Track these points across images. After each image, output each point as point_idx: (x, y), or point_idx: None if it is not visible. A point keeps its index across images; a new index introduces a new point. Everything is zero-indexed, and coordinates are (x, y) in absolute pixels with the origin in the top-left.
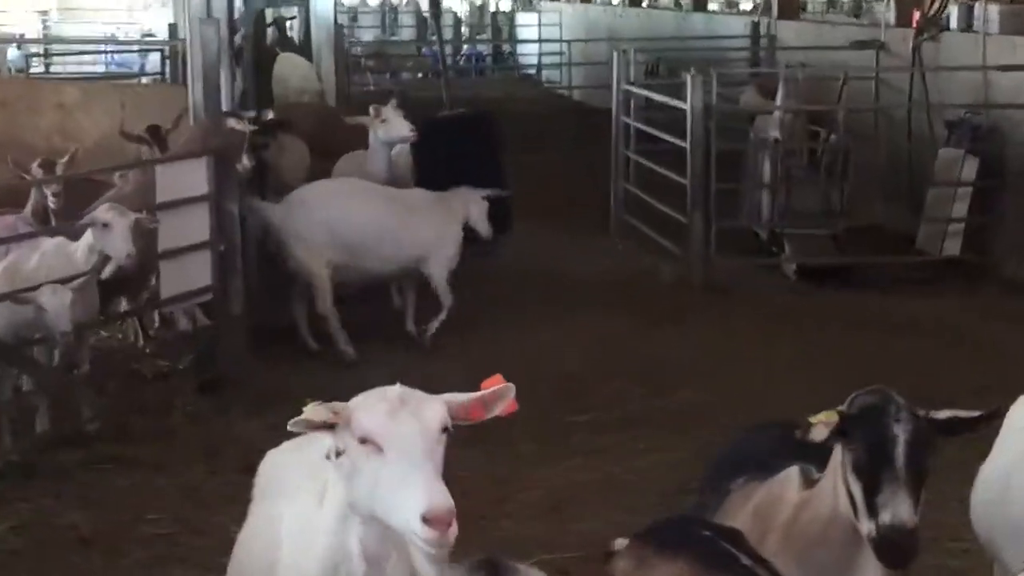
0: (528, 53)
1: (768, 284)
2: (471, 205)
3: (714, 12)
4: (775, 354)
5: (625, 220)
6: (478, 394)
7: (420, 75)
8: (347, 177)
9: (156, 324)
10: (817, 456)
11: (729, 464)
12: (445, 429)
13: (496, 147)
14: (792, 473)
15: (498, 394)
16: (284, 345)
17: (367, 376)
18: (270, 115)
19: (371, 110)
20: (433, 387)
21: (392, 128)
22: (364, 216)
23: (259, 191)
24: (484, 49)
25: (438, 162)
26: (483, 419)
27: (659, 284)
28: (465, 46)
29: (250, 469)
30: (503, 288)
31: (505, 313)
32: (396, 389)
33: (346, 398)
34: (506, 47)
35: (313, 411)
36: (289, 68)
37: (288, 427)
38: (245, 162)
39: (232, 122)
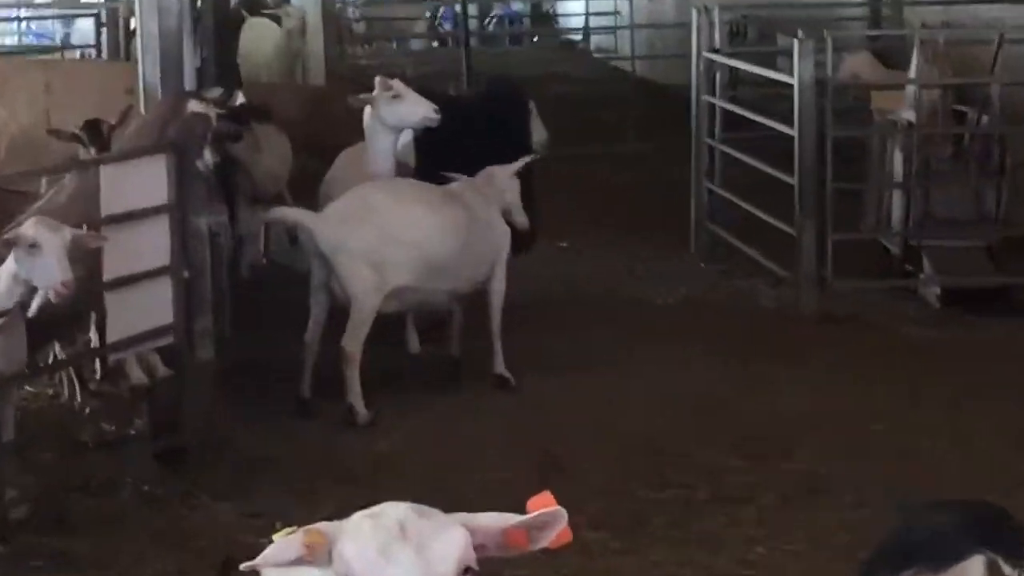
0: (572, 13)
1: (902, 313)
2: (506, 190)
3: None
4: (916, 408)
5: (711, 231)
6: (519, 519)
7: (435, 43)
8: (390, 179)
9: (99, 376)
10: (1006, 542)
11: (894, 554)
12: (467, 570)
13: (527, 136)
14: (976, 564)
15: (546, 520)
16: (267, 401)
17: (375, 442)
18: (240, 99)
19: (377, 83)
20: (462, 460)
21: (407, 108)
22: (444, 223)
23: (226, 199)
24: (520, 7)
25: (448, 157)
26: (525, 551)
27: (758, 315)
28: (496, 4)
29: (226, 568)
30: (558, 320)
31: (557, 354)
32: (399, 511)
33: (352, 475)
34: (546, 5)
35: (281, 544)
36: (259, 37)
37: (241, 569)
38: (207, 157)
39: (194, 105)
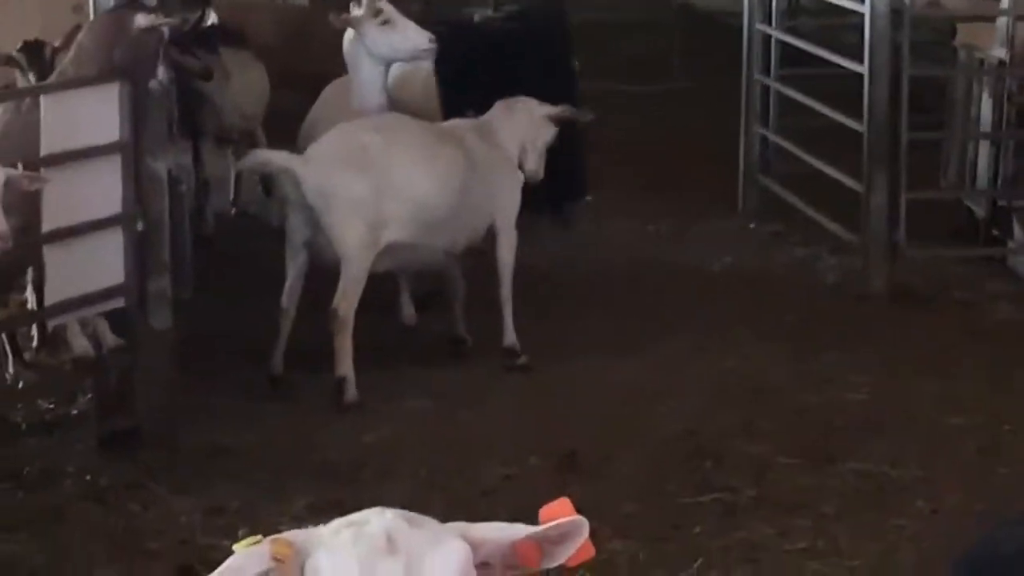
0: None
1: (988, 287)
2: (529, 130)
3: None
4: (1002, 399)
5: (763, 187)
6: (530, 531)
7: None
8: (381, 116)
9: (36, 345)
10: None
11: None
12: None
13: (570, 67)
14: None
15: (563, 531)
16: (233, 378)
17: (361, 431)
18: (211, 19)
19: (364, 3)
20: (463, 456)
21: (397, 36)
22: (443, 172)
23: (190, 137)
24: None
25: (477, 90)
26: (537, 570)
27: (817, 289)
28: None
29: (183, 574)
30: (582, 291)
31: (584, 331)
32: (385, 518)
33: (331, 469)
34: None
35: (242, 556)
36: None
37: None
38: (161, 75)
39: (140, 19)
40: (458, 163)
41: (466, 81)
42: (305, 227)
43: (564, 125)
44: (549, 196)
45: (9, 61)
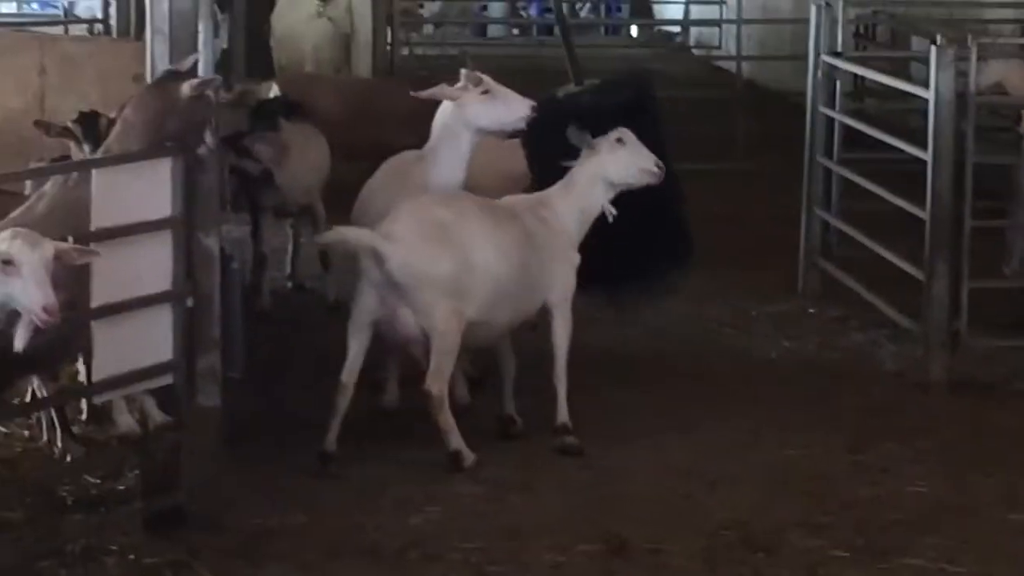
0: (668, 1)
1: None
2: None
3: None
4: None
5: (823, 271)
6: None
7: (515, 31)
8: (445, 193)
9: (83, 419)
10: None
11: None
12: None
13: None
14: None
15: None
16: (282, 459)
17: (408, 515)
18: (274, 90)
19: (464, 76)
20: (510, 540)
21: (501, 106)
22: (508, 247)
23: (251, 210)
24: None
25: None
26: None
27: (876, 378)
28: None
29: None
30: (637, 374)
31: (630, 415)
32: None
33: (377, 553)
34: None
35: None
36: (301, 19)
37: None
38: (208, 140)
39: (187, 88)
40: (518, 239)
41: (554, 156)
42: (377, 305)
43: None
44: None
45: (65, 132)
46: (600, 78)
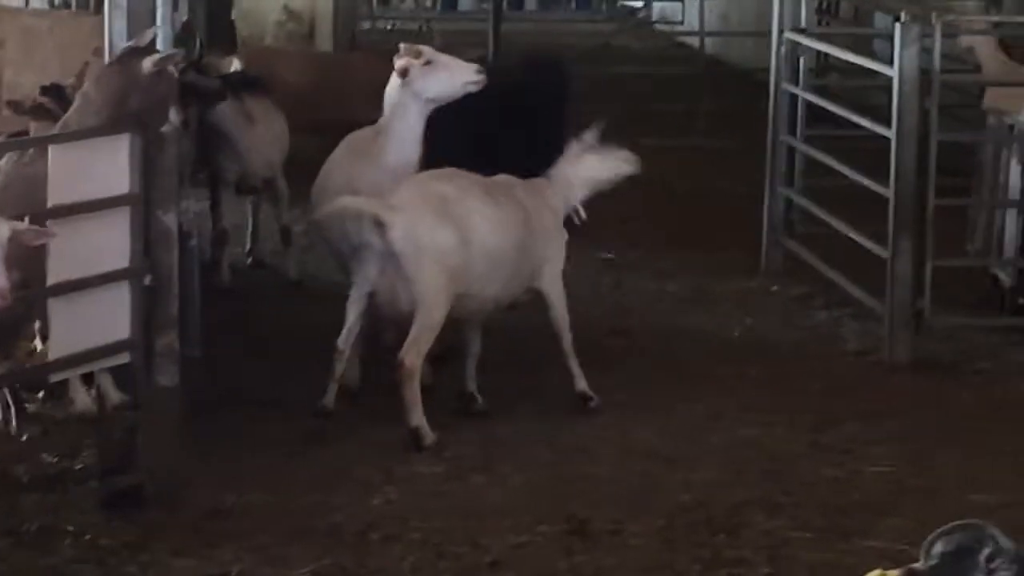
0: None
1: (1014, 359)
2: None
3: None
4: None
5: (785, 249)
6: None
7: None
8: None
9: (40, 398)
10: None
11: None
12: None
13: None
14: None
15: None
16: (241, 438)
17: (369, 495)
18: (235, 65)
19: (403, 50)
20: (471, 522)
21: (444, 74)
22: (506, 222)
23: (210, 184)
24: None
25: (461, 150)
26: None
27: (838, 357)
28: None
29: None
30: (599, 352)
31: (600, 393)
32: None
33: (338, 533)
34: None
35: None
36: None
37: None
38: (173, 117)
39: (148, 63)
40: (516, 216)
41: (454, 131)
42: (377, 276)
43: None
44: None
45: (38, 110)
46: (517, 58)
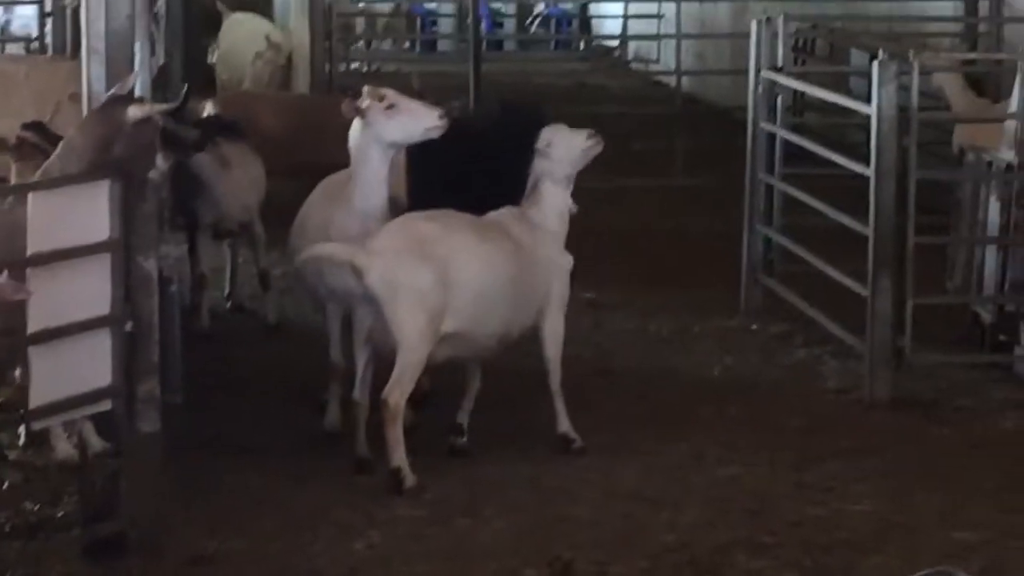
0: (609, 15)
1: (995, 396)
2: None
3: None
4: (1012, 515)
5: (765, 287)
6: None
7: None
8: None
9: (21, 444)
10: None
11: None
12: None
13: None
14: None
15: None
16: (223, 485)
17: (351, 540)
18: (210, 109)
19: (365, 92)
20: (455, 566)
21: (406, 117)
22: (496, 261)
23: (188, 229)
24: (570, 7)
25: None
26: None
27: (819, 393)
28: (541, 3)
29: None
30: (580, 392)
31: (583, 434)
32: None
33: None
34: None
35: None
36: (244, 36)
37: None
38: (160, 164)
39: (134, 111)
40: (508, 252)
41: (435, 173)
42: (371, 318)
43: None
44: None
45: (22, 146)
46: (498, 103)
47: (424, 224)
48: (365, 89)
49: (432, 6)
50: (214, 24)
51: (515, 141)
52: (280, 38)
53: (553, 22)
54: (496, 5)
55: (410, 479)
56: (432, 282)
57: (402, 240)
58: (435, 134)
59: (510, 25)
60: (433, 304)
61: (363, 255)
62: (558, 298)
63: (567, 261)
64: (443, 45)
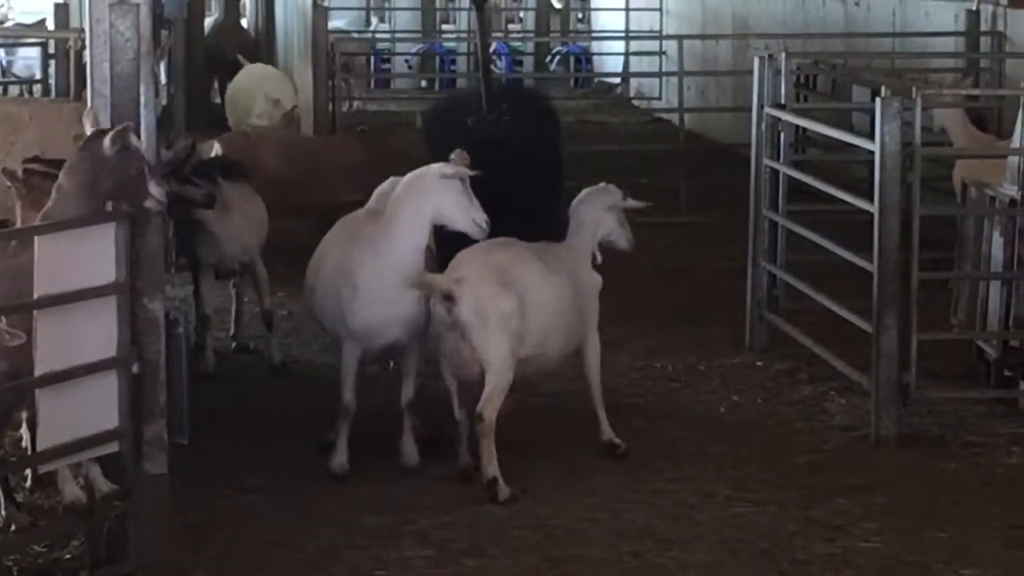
0: (609, 52)
1: (1002, 430)
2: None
3: None
4: (1020, 552)
5: (770, 324)
6: None
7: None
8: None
9: (28, 487)
10: None
11: None
12: None
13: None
14: None
15: None
16: (232, 526)
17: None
18: (215, 150)
19: (455, 156)
20: None
21: (463, 206)
22: (556, 284)
23: (191, 270)
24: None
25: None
26: None
27: (826, 430)
28: (559, 43)
29: None
30: (589, 430)
31: (591, 473)
32: None
33: None
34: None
35: None
36: (252, 82)
37: None
38: (153, 191)
39: (107, 142)
40: (566, 278)
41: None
42: (452, 347)
43: None
44: None
45: (31, 178)
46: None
47: (498, 253)
48: (455, 154)
49: (451, 45)
50: (217, 64)
51: (528, 139)
52: (281, 93)
53: (572, 60)
54: (516, 44)
55: (504, 490)
56: (514, 308)
57: (484, 269)
58: (476, 235)
59: (529, 63)
60: (516, 327)
61: (454, 284)
62: (594, 317)
63: (598, 282)
64: (461, 83)
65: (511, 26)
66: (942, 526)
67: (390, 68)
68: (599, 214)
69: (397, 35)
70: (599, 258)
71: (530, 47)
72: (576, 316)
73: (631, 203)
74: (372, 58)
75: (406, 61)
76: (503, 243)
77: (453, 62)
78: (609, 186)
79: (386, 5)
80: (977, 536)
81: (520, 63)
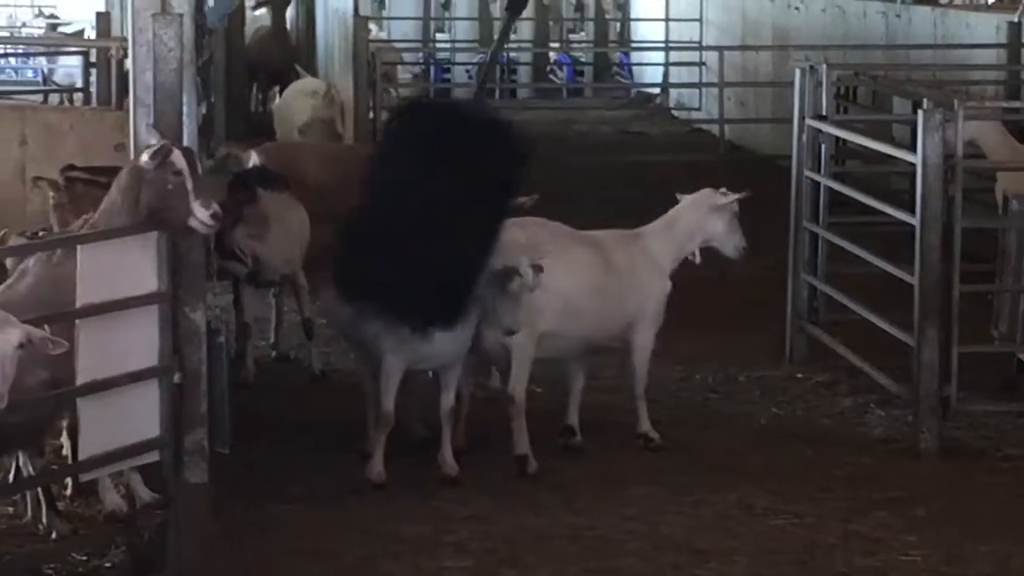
0: (649, 63)
1: None
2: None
3: (947, 6)
4: None
5: (810, 336)
6: None
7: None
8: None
9: (69, 496)
10: None
11: None
12: None
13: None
14: None
15: None
16: (272, 534)
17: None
18: (253, 159)
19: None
20: None
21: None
22: (579, 269)
23: (232, 278)
24: (582, 55)
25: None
26: None
27: (866, 442)
28: (618, 53)
29: None
30: (616, 444)
31: (631, 482)
32: None
33: None
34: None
35: None
36: (300, 92)
37: None
38: (199, 213)
39: (143, 159)
40: (594, 265)
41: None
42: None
43: None
44: None
45: (74, 186)
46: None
47: (515, 231)
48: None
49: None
50: (262, 70)
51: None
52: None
53: (565, 70)
54: (514, 55)
55: (533, 464)
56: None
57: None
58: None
59: (525, 73)
60: (527, 306)
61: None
62: (651, 317)
63: (665, 286)
64: (523, 93)
65: (571, 35)
66: (983, 539)
67: (450, 78)
68: (699, 216)
69: (457, 45)
70: (698, 258)
71: (530, 57)
72: (606, 305)
73: (731, 196)
74: (431, 67)
75: (467, 71)
76: (526, 221)
77: (514, 72)
78: (720, 189)
79: (446, 15)
80: (1019, 549)
81: (581, 73)
